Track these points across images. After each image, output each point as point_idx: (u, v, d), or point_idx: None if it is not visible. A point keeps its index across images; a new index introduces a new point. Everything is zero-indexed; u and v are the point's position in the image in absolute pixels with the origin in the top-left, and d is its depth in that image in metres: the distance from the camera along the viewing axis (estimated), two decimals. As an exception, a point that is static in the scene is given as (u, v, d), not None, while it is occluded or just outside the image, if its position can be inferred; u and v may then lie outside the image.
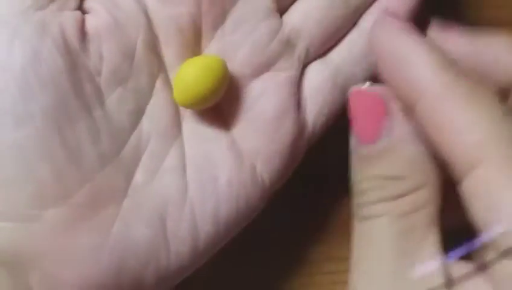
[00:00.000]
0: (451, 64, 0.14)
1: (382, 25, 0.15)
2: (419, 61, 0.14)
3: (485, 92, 0.14)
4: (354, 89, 0.16)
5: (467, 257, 0.14)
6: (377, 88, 0.15)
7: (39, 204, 0.15)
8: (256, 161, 0.18)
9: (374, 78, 0.16)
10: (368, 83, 0.16)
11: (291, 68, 0.19)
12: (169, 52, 0.18)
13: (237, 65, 0.18)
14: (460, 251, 0.14)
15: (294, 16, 0.19)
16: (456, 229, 0.14)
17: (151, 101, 0.17)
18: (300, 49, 0.19)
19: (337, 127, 0.18)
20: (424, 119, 0.14)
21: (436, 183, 0.15)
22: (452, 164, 0.13)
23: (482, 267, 0.14)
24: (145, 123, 0.17)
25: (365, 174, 0.15)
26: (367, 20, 0.19)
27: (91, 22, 0.16)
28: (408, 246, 0.14)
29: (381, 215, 0.15)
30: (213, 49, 0.18)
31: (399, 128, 0.15)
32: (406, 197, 0.15)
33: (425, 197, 0.15)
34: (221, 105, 0.18)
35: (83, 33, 0.16)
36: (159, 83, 0.17)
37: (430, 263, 0.14)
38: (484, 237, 0.13)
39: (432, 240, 0.14)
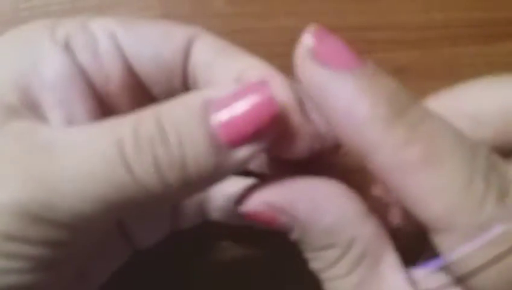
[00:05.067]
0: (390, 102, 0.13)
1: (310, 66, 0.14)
2: (361, 112, 0.13)
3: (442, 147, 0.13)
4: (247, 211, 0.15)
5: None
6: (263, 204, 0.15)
7: None
8: None
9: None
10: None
11: None
12: None
13: None
14: (434, 263, 0.15)
15: None
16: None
17: None
18: None
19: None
20: (382, 176, 0.14)
21: (373, 226, 0.15)
22: (418, 217, 0.14)
23: (460, 279, 0.14)
24: None
25: (302, 249, 0.16)
26: None
27: None
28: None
29: (334, 279, 0.15)
30: None
31: (301, 218, 0.15)
32: (344, 258, 0.15)
33: (363, 247, 0.15)
34: None
35: None
36: None
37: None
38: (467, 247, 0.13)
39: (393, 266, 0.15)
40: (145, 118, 0.14)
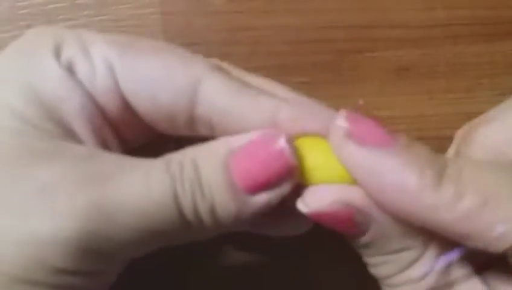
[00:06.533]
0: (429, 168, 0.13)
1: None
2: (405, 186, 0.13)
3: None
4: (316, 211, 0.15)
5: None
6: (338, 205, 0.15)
7: None
8: None
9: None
10: None
11: None
12: None
13: None
14: (454, 254, 0.15)
15: None
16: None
17: None
18: None
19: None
20: (445, 233, 0.14)
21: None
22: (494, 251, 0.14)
23: (481, 268, 0.14)
24: None
25: (368, 254, 0.16)
26: None
27: None
28: None
29: (406, 284, 0.15)
30: None
31: (376, 217, 0.15)
32: (419, 261, 0.15)
33: (439, 248, 0.15)
34: None
35: None
36: None
37: (428, 264, 0.15)
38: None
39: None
40: (186, 161, 0.15)
